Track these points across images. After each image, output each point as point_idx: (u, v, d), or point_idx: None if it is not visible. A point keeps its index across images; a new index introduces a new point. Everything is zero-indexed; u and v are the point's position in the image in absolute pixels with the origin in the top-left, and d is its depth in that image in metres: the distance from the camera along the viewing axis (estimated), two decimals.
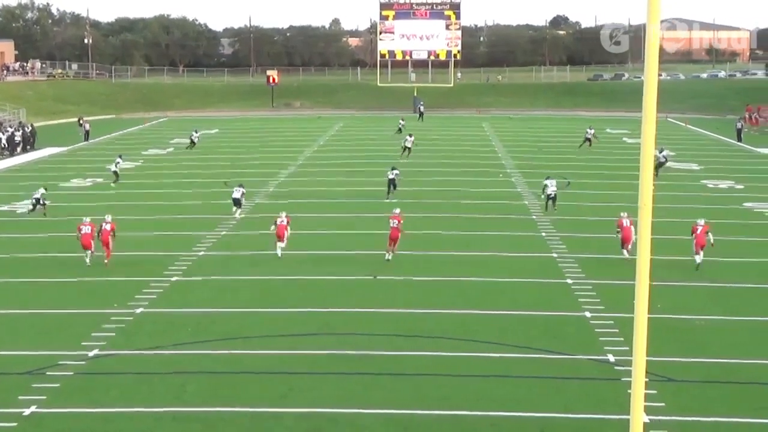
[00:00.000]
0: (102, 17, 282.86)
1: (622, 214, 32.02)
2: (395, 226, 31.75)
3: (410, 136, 60.80)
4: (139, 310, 26.03)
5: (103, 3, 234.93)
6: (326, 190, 47.18)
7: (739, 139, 70.33)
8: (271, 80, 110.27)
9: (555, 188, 40.85)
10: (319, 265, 31.36)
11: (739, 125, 72.68)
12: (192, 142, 65.77)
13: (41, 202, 40.32)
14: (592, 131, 64.74)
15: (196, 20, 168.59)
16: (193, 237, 35.72)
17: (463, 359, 22.12)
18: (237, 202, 40.13)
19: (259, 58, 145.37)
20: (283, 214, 33.08)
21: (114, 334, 23.92)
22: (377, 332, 24.06)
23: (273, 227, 32.62)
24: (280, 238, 32.39)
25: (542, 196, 41.70)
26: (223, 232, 36.85)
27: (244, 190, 41.09)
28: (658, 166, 49.21)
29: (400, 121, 76.00)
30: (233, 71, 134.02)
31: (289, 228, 32.64)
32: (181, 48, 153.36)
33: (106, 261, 31.12)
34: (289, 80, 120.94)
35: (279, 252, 32.28)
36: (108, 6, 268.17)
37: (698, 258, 30.32)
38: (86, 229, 31.47)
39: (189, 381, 20.69)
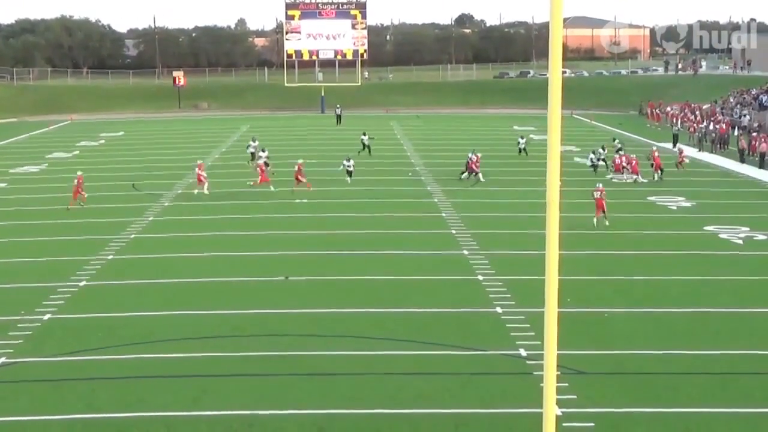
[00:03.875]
0: (1, 19, 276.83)
1: None
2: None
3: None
4: (47, 317, 25.55)
5: (3, 4, 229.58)
6: (237, 191, 46.84)
7: (675, 144, 62.34)
8: (177, 81, 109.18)
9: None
10: (230, 267, 31.16)
11: (676, 129, 67.85)
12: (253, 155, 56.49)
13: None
14: (475, 157, 51.44)
15: (99, 21, 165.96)
16: (101, 240, 35.16)
17: (377, 357, 22.18)
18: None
19: (165, 60, 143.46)
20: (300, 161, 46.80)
21: (21, 341, 23.42)
22: (290, 333, 23.98)
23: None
24: (298, 180, 44.77)
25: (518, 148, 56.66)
26: (133, 235, 36.36)
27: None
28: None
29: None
30: (138, 73, 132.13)
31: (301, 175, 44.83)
32: (84, 49, 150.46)
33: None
34: (196, 81, 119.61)
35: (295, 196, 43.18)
36: (7, 7, 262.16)
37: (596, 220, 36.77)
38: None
39: (100, 387, 20.37)
